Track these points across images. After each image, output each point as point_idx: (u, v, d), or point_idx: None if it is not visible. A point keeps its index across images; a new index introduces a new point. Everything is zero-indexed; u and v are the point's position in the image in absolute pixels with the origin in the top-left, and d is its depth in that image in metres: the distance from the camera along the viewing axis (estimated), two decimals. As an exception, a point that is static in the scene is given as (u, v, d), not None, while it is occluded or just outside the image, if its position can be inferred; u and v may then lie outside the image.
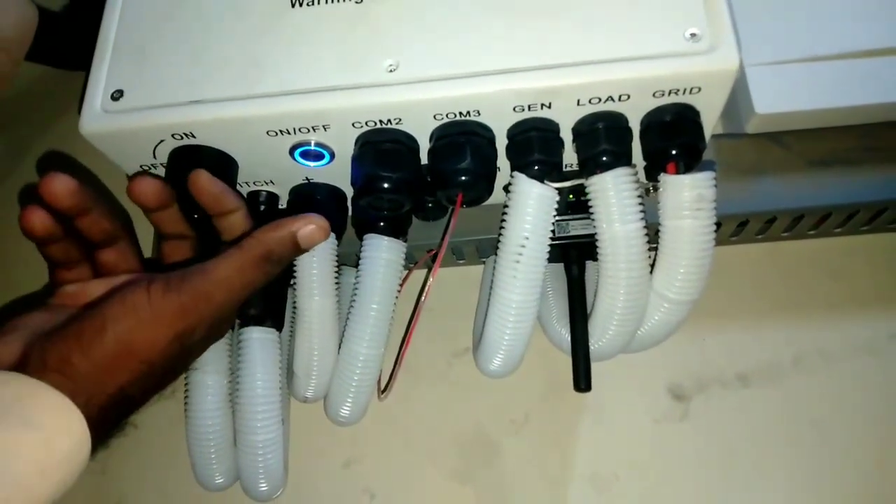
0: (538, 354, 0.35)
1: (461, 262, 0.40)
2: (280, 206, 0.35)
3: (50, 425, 0.22)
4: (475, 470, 0.37)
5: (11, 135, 0.50)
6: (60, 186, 0.27)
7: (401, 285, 0.33)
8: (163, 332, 0.25)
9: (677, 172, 0.28)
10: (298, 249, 0.28)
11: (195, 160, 0.30)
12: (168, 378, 0.27)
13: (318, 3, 0.30)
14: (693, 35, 0.26)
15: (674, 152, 0.27)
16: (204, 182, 0.28)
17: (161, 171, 0.31)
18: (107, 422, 0.25)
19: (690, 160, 0.28)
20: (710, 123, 0.29)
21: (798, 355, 0.37)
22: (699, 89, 0.27)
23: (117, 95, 0.29)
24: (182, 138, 0.29)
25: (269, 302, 0.33)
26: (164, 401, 0.39)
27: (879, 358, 0.37)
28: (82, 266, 0.30)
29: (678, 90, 0.27)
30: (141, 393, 0.26)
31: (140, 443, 0.39)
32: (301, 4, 0.30)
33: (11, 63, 0.42)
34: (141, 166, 0.32)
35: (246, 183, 0.33)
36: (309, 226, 0.28)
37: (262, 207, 0.34)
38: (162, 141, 0.30)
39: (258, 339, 0.32)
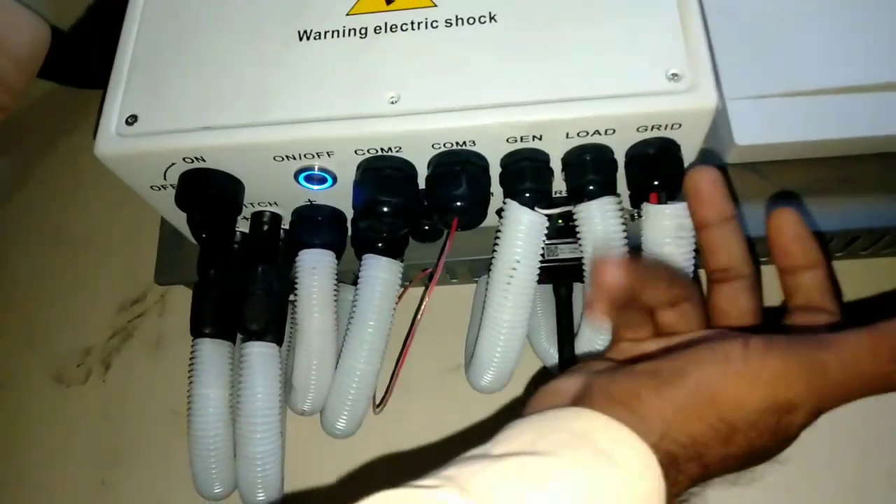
0: (528, 371, 0.37)
1: (454, 280, 0.42)
2: (283, 226, 0.36)
3: (623, 460, 0.20)
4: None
5: (20, 149, 0.52)
6: (612, 274, 0.23)
7: (396, 302, 0.35)
8: (757, 392, 0.21)
9: (659, 202, 0.29)
10: None
11: (204, 182, 0.31)
12: (749, 457, 0.22)
13: (325, 36, 0.31)
14: (674, 75, 0.28)
15: (656, 183, 0.29)
16: (791, 222, 0.24)
17: (171, 193, 0.32)
18: (679, 480, 0.21)
19: (671, 190, 0.29)
20: (690, 157, 0.31)
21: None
22: (679, 125, 0.29)
23: (131, 120, 0.31)
24: (192, 162, 0.31)
25: (270, 317, 0.34)
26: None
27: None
28: (643, 326, 0.26)
29: (660, 126, 0.29)
30: (716, 460, 0.21)
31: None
32: (308, 38, 0.32)
33: (24, 80, 0.43)
34: (151, 187, 0.33)
35: (251, 203, 0.35)
36: None
37: (266, 227, 0.35)
38: (173, 164, 0.31)
39: (259, 354, 0.33)
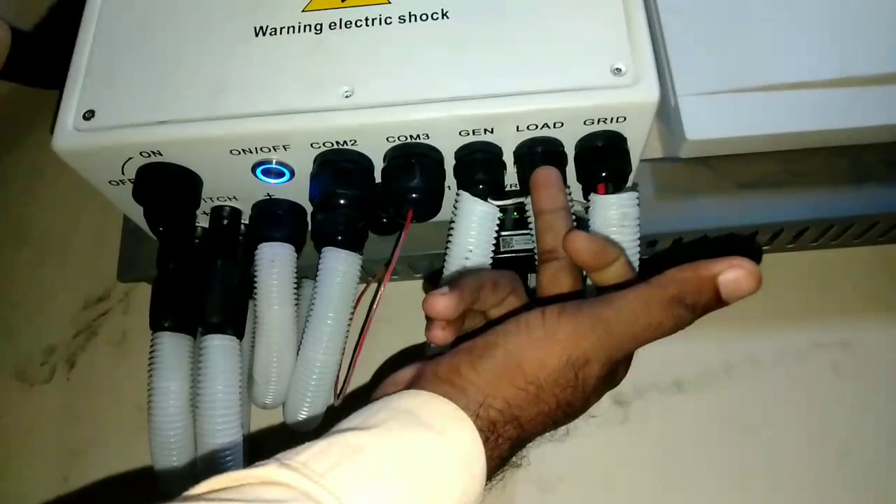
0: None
1: (418, 275, 0.42)
2: (243, 221, 0.37)
3: (441, 427, 0.22)
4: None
5: (-18, 149, 0.51)
6: (443, 308, 0.26)
7: (359, 298, 0.36)
8: (554, 352, 0.24)
9: (606, 192, 0.30)
10: (719, 300, 0.24)
11: (161, 177, 0.32)
12: (559, 412, 0.25)
13: (281, 32, 0.32)
14: (618, 70, 0.29)
15: (603, 175, 0.30)
16: (584, 244, 0.27)
17: (129, 187, 0.33)
18: (499, 443, 0.23)
19: (618, 182, 0.30)
20: (637, 149, 0.32)
21: (729, 363, 0.40)
22: (624, 118, 0.30)
23: (89, 115, 0.31)
24: (150, 156, 0.31)
25: (231, 311, 0.34)
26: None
27: (804, 365, 0.40)
28: (475, 318, 0.29)
29: (606, 119, 0.30)
30: (530, 420, 0.24)
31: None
32: (264, 33, 0.32)
33: (-15, 81, 0.43)
34: (109, 182, 0.33)
35: (210, 198, 0.35)
36: (735, 270, 0.23)
37: (226, 221, 0.36)
38: (130, 158, 0.31)
39: (219, 347, 0.33)
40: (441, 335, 0.27)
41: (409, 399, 0.24)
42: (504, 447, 0.24)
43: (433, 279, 0.40)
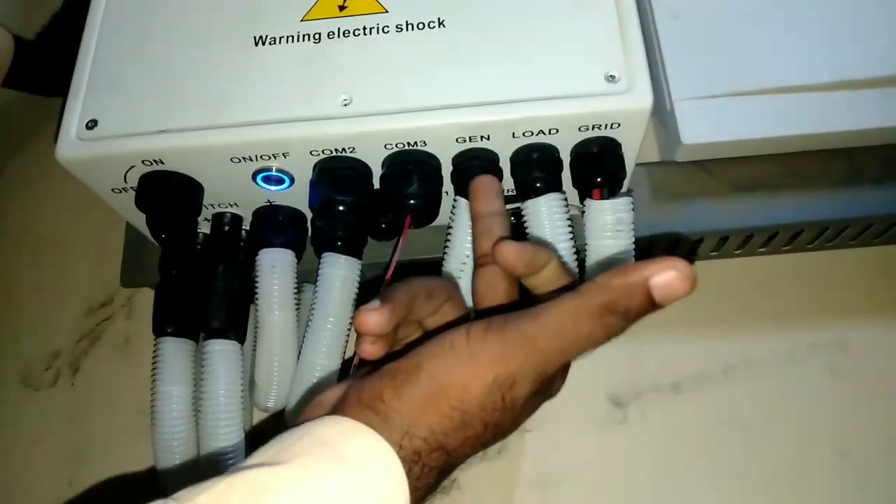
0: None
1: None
2: (244, 227, 0.37)
3: (360, 461, 0.21)
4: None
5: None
6: (374, 324, 0.25)
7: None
8: (479, 375, 0.22)
9: (601, 198, 0.31)
10: (653, 304, 0.22)
11: (164, 184, 0.32)
12: (487, 436, 0.24)
13: (280, 42, 0.32)
14: (612, 77, 0.29)
15: (598, 180, 0.31)
16: (512, 254, 0.26)
17: (132, 195, 0.33)
18: (424, 473, 0.22)
19: (612, 187, 0.31)
20: (632, 154, 0.32)
21: (727, 364, 0.40)
22: (618, 125, 0.30)
23: (91, 125, 0.32)
24: (151, 164, 0.32)
25: (232, 316, 0.35)
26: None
27: (801, 366, 0.40)
28: (411, 328, 0.28)
29: (600, 125, 0.30)
30: (457, 446, 0.23)
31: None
32: (264, 43, 0.33)
33: (-11, 90, 0.44)
34: (112, 189, 0.34)
35: (211, 205, 0.36)
36: (668, 273, 0.22)
37: (227, 228, 0.36)
38: (133, 167, 0.32)
39: (221, 351, 0.34)
40: (372, 350, 0.26)
41: (329, 428, 0.22)
42: (430, 476, 0.23)
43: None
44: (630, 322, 0.23)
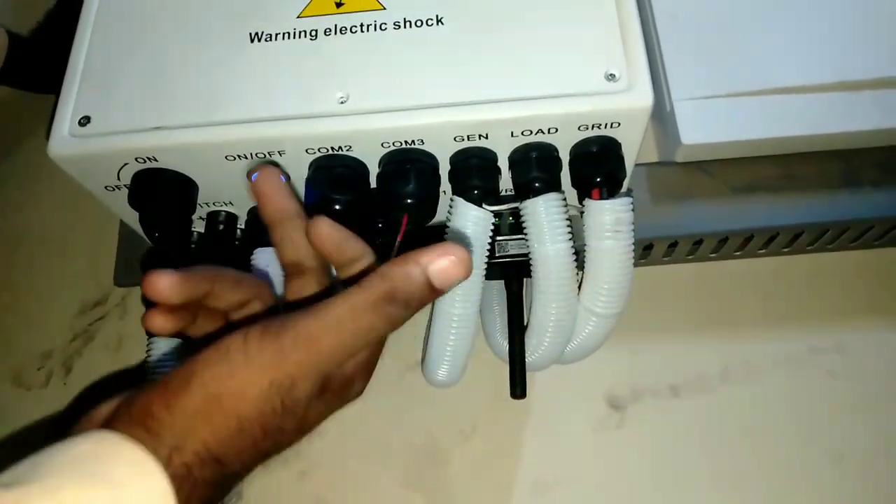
0: (486, 368, 0.37)
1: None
2: (239, 226, 0.37)
3: (120, 480, 0.20)
4: (425, 477, 0.39)
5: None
6: (163, 287, 0.24)
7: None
8: (254, 380, 0.21)
9: (601, 198, 0.30)
10: (433, 290, 0.23)
11: (157, 182, 0.32)
12: (269, 443, 0.22)
13: (276, 38, 0.32)
14: (612, 75, 0.29)
15: (597, 180, 0.30)
16: (324, 229, 0.25)
17: (125, 192, 0.33)
18: (198, 487, 0.21)
19: (612, 187, 0.30)
20: (632, 154, 0.32)
21: (725, 367, 0.40)
22: (618, 124, 0.30)
23: (84, 121, 0.31)
24: (145, 162, 0.31)
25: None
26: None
27: (800, 369, 0.40)
28: (210, 318, 0.27)
29: (600, 124, 0.30)
30: (236, 456, 0.22)
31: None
32: (260, 39, 0.32)
33: (-19, 86, 0.43)
34: (105, 187, 0.33)
35: (206, 203, 0.35)
36: (444, 258, 0.22)
37: (222, 227, 0.36)
38: (126, 164, 0.31)
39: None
40: (159, 322, 0.24)
41: (92, 444, 0.20)
42: (206, 491, 0.21)
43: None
44: (412, 311, 0.23)
